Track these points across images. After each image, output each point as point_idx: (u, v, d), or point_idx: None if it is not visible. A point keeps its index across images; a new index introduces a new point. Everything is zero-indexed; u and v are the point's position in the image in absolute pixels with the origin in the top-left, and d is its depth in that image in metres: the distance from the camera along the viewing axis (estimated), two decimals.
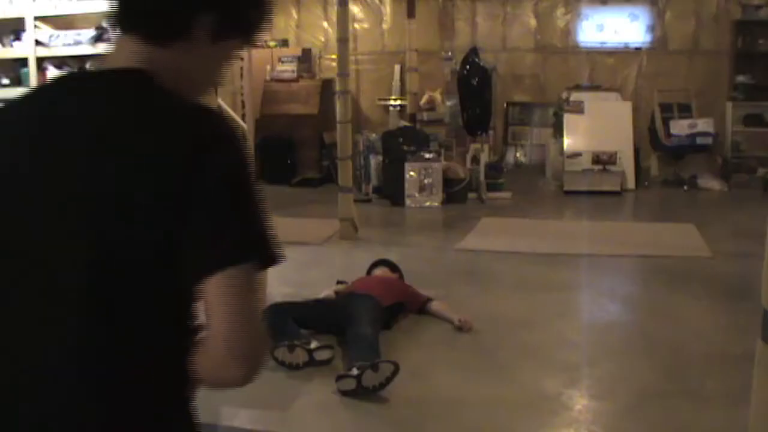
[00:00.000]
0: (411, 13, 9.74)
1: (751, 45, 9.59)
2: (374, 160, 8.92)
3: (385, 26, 11.15)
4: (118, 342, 1.05)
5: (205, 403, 3.70)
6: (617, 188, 8.96)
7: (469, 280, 5.56)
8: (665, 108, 9.70)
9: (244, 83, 4.88)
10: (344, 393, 3.51)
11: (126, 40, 1.14)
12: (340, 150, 6.81)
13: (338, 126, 6.82)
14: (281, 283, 5.22)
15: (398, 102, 10.79)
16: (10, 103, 1.19)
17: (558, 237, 6.95)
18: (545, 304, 4.93)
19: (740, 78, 9.63)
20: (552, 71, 10.71)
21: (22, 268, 1.07)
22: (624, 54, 10.38)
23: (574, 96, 9.65)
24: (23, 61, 6.42)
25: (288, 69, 10.43)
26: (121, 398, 1.06)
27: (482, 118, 8.83)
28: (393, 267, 5.02)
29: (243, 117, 4.85)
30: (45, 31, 6.35)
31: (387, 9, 11.10)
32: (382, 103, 10.98)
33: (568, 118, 9.45)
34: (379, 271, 4.97)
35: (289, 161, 10.15)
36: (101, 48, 6.20)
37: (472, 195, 8.59)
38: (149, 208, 1.03)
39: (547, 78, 10.76)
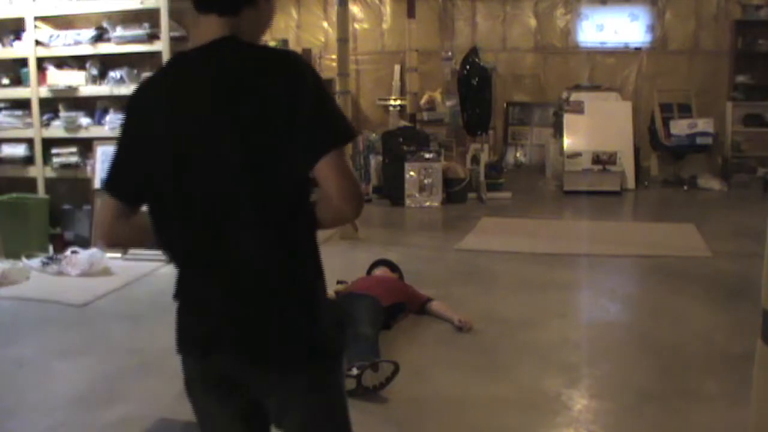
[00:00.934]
0: (411, 13, 9.75)
1: (751, 45, 9.60)
2: (374, 160, 8.92)
3: (385, 26, 11.15)
4: (271, 199, 1.58)
5: None
6: (617, 188, 8.97)
7: (469, 280, 5.56)
8: (665, 108, 9.71)
9: None
10: None
11: (206, 19, 1.63)
12: None
13: None
14: None
15: (398, 102, 10.79)
16: (152, 76, 1.72)
17: (558, 237, 6.95)
18: (545, 304, 4.93)
19: (740, 78, 9.64)
20: (552, 71, 10.72)
21: (206, 158, 1.59)
22: (624, 54, 10.39)
23: (574, 96, 9.65)
24: (23, 61, 6.42)
25: None
26: (280, 232, 1.60)
27: (482, 118, 8.83)
28: (393, 267, 5.02)
29: None
30: (45, 31, 6.35)
31: (387, 9, 11.11)
32: (382, 103, 10.98)
33: (568, 118, 9.46)
34: (379, 271, 4.97)
35: None
36: (101, 48, 6.22)
37: (472, 195, 8.60)
38: (277, 118, 1.54)
39: (547, 78, 10.76)
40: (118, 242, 1.86)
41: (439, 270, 5.80)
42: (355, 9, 10.75)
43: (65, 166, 6.42)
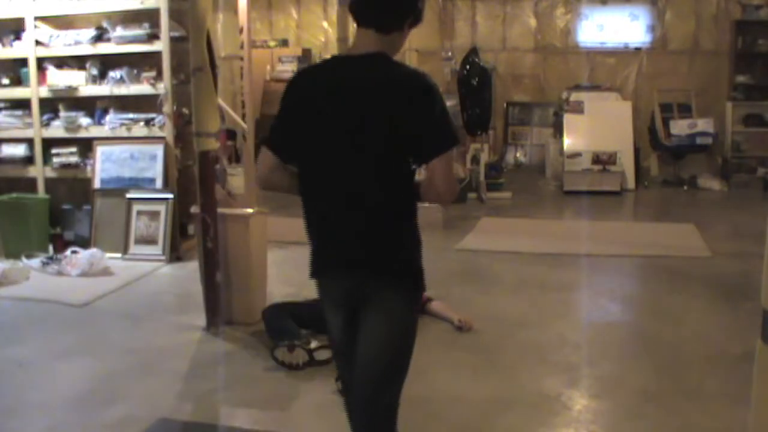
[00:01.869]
0: None
1: (751, 45, 9.59)
2: None
3: None
4: (389, 175, 2.16)
5: (206, 403, 3.70)
6: (617, 188, 8.97)
7: (469, 280, 5.56)
8: (665, 108, 9.70)
9: (244, 83, 4.86)
10: (344, 393, 3.51)
11: (365, 31, 2.18)
12: None
13: None
14: (282, 283, 5.23)
15: None
16: (312, 66, 2.45)
17: (558, 237, 6.95)
18: (545, 304, 4.93)
19: (740, 78, 9.63)
20: (552, 71, 10.72)
21: (349, 139, 2.15)
22: (624, 54, 10.38)
23: (574, 96, 9.65)
24: (23, 61, 6.42)
25: (288, 69, 10.43)
26: (396, 201, 2.20)
27: (482, 118, 8.81)
28: None
29: (243, 117, 4.84)
30: (45, 31, 6.35)
31: None
32: None
33: (568, 118, 9.45)
34: None
35: None
36: (101, 48, 6.22)
37: (472, 195, 8.59)
38: (403, 119, 2.09)
39: (547, 78, 10.76)
40: (271, 188, 2.36)
41: (439, 270, 5.78)
42: None
43: (65, 166, 6.42)
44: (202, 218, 4.42)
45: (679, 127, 9.35)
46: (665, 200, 8.93)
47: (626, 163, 9.15)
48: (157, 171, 6.09)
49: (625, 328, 4.59)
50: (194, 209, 4.60)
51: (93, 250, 5.82)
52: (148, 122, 6.16)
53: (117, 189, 6.17)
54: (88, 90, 6.30)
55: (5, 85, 6.51)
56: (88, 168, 6.33)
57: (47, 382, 3.78)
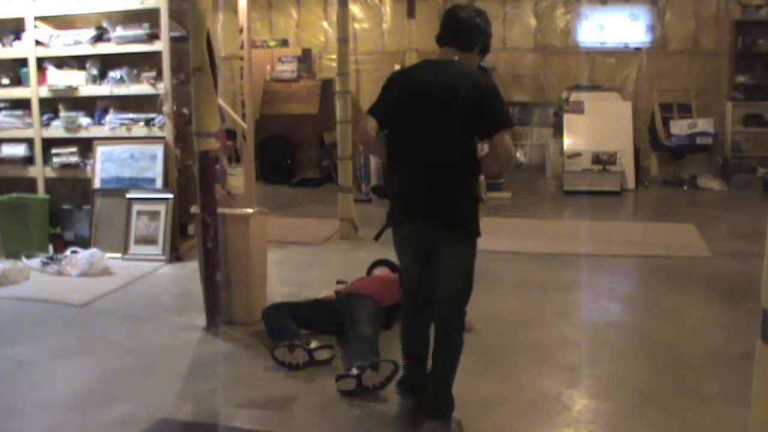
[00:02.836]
0: (411, 13, 9.72)
1: (751, 45, 9.59)
2: (374, 160, 8.91)
3: (385, 26, 11.15)
4: (458, 149, 3.01)
5: (206, 403, 3.69)
6: (617, 188, 8.97)
7: None
8: (665, 108, 9.70)
9: (244, 83, 4.86)
10: (344, 393, 3.51)
11: (447, 49, 3.12)
12: (340, 150, 6.81)
13: (338, 126, 6.83)
14: (282, 283, 5.23)
15: None
16: (412, 65, 3.48)
17: (558, 237, 6.95)
18: (545, 304, 4.93)
19: (740, 78, 9.63)
20: (552, 71, 10.72)
21: (430, 117, 3.02)
22: (624, 54, 10.37)
23: (574, 96, 9.65)
24: (23, 61, 6.42)
25: (288, 69, 10.43)
26: (464, 167, 3.05)
27: None
28: (393, 267, 5.01)
29: (243, 117, 4.84)
30: (45, 31, 6.35)
31: (387, 9, 11.10)
32: None
33: (568, 118, 9.45)
34: (379, 271, 4.97)
35: (289, 161, 10.15)
36: (101, 48, 6.22)
37: None
38: (473, 107, 2.94)
39: (547, 78, 10.76)
40: (367, 141, 3.08)
41: None
42: (355, 9, 10.74)
43: (65, 166, 6.43)
44: (202, 218, 4.42)
45: (679, 127, 9.35)
46: (665, 200, 8.93)
47: (626, 163, 9.15)
48: (157, 171, 6.09)
49: (625, 328, 4.59)
50: (194, 209, 4.60)
51: (93, 250, 5.83)
52: (148, 122, 6.16)
53: (117, 189, 6.17)
54: (88, 90, 6.31)
55: (5, 85, 6.52)
56: (88, 168, 6.34)
57: (47, 382, 3.78)
